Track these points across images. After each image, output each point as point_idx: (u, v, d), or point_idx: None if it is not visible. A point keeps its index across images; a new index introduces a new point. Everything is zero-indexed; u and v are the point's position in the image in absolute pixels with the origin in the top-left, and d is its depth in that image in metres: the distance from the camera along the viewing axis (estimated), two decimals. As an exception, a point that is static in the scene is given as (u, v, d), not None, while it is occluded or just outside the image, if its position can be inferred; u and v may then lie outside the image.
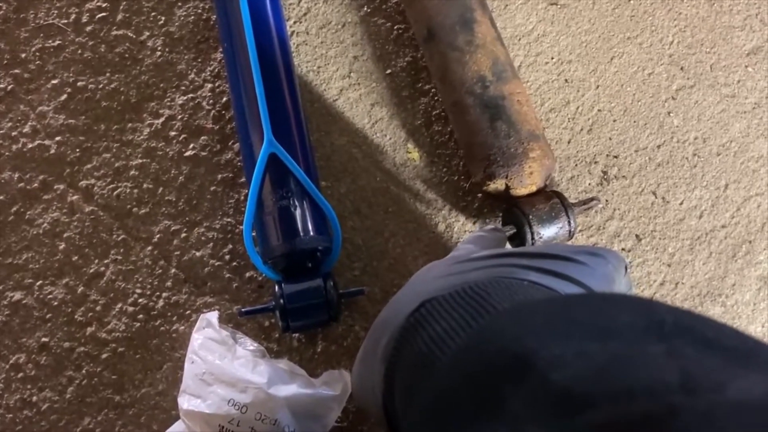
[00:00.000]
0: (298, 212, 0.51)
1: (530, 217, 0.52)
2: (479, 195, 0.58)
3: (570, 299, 0.29)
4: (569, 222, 0.53)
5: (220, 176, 0.57)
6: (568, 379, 0.22)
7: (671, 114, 0.61)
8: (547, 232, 0.52)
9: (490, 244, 0.48)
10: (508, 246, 0.54)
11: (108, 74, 0.59)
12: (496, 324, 0.28)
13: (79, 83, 0.59)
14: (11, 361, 0.52)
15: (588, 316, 0.25)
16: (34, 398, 0.51)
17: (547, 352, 0.23)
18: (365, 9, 0.62)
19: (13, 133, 0.57)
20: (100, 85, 0.59)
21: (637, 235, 0.58)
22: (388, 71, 0.60)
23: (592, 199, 0.54)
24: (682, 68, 0.62)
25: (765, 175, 0.59)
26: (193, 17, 0.61)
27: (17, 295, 0.54)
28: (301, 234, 0.50)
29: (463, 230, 0.57)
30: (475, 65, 0.54)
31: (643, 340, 0.23)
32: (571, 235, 0.53)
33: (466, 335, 0.29)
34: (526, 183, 0.53)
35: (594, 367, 0.22)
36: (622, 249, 0.57)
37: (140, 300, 0.54)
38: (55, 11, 0.60)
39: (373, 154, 0.58)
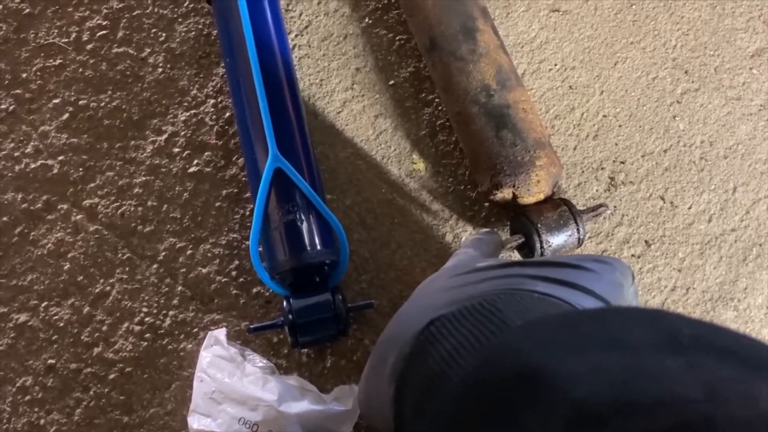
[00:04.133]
0: (304, 226, 0.50)
1: (539, 225, 0.51)
2: (486, 204, 0.57)
3: (583, 314, 0.29)
4: (578, 230, 0.52)
5: (224, 192, 0.57)
6: (587, 395, 0.22)
7: (677, 118, 0.60)
8: (556, 241, 0.52)
9: (488, 246, 0.48)
10: (516, 255, 0.54)
11: (110, 92, 0.59)
12: (509, 341, 0.27)
13: (80, 102, 0.58)
14: (18, 384, 0.52)
15: (602, 331, 0.25)
16: (42, 421, 0.51)
17: (564, 368, 0.23)
18: (366, 20, 0.62)
19: (16, 154, 0.57)
20: (102, 104, 0.58)
21: (646, 241, 0.57)
22: (391, 82, 0.60)
23: (600, 205, 0.53)
24: (686, 72, 0.62)
25: (773, 177, 0.59)
26: (194, 33, 0.61)
27: (22, 317, 0.53)
28: (308, 248, 0.50)
29: (470, 232, 0.57)
30: (479, 74, 0.53)
31: (660, 353, 0.23)
32: (580, 242, 0.53)
33: (478, 354, 0.28)
34: (533, 191, 0.52)
35: (612, 382, 0.22)
36: (632, 255, 0.57)
37: (147, 319, 0.53)
38: (56, 30, 0.60)
39: (378, 166, 0.58)
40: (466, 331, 0.30)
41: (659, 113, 0.60)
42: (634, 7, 0.64)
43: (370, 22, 0.62)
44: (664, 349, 0.23)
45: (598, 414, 0.21)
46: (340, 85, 0.60)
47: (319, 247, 0.50)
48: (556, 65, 0.61)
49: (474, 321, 0.31)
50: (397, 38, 0.61)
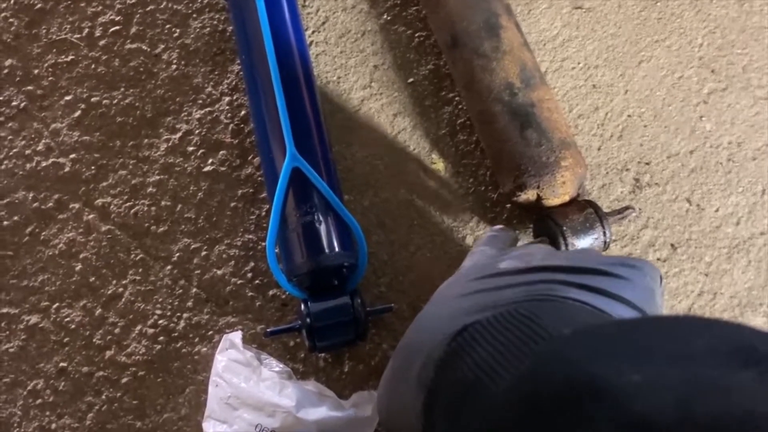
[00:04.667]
0: (322, 228, 0.49)
1: (564, 228, 0.50)
2: (508, 206, 0.56)
3: (640, 323, 0.27)
4: (604, 233, 0.51)
5: (240, 192, 0.55)
6: (650, 409, 0.20)
7: (703, 118, 0.59)
8: (582, 243, 0.50)
9: (504, 243, 0.46)
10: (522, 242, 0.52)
11: (123, 89, 0.57)
12: (558, 350, 0.26)
13: (93, 99, 0.57)
14: (29, 387, 0.51)
15: (664, 341, 0.23)
16: (53, 425, 0.50)
17: (624, 380, 0.21)
18: (385, 17, 0.60)
19: (27, 152, 0.56)
20: (115, 101, 0.57)
21: (672, 245, 0.56)
22: (410, 80, 0.59)
23: (627, 208, 0.52)
24: (713, 71, 0.60)
25: (803, 180, 0.57)
26: (208, 29, 0.59)
27: (34, 319, 0.52)
28: (327, 250, 0.48)
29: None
30: (503, 72, 0.52)
31: (728, 365, 0.21)
32: (606, 245, 0.51)
33: (522, 363, 0.27)
34: (558, 193, 0.51)
35: (678, 395, 0.20)
36: (658, 259, 0.55)
37: (160, 321, 0.52)
38: (68, 26, 0.59)
39: (397, 166, 0.56)
40: (505, 339, 0.29)
41: (685, 113, 0.59)
42: (659, 4, 0.62)
43: (389, 18, 0.60)
44: (733, 361, 0.21)
45: (662, 428, 0.19)
46: (357, 82, 0.58)
47: (337, 250, 0.49)
48: (579, 63, 0.60)
49: (511, 328, 0.29)
50: (416, 35, 0.60)
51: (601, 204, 0.55)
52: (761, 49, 0.61)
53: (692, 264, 0.55)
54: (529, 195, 0.51)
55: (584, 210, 0.51)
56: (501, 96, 0.51)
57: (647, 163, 0.57)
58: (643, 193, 0.57)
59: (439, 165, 0.57)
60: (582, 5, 0.62)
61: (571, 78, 0.59)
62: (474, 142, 0.57)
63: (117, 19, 0.59)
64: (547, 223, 0.51)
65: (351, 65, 0.59)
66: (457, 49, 0.54)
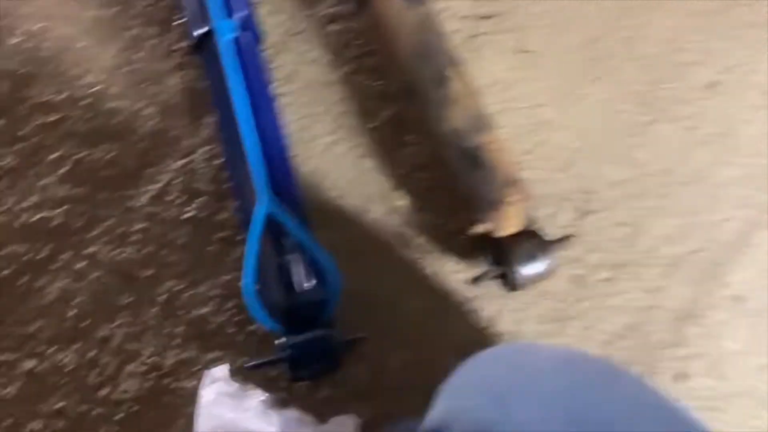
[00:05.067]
0: (297, 266, 0.54)
1: (513, 257, 0.56)
2: (465, 238, 0.61)
3: None
4: (550, 259, 0.56)
5: (219, 235, 0.60)
6: None
7: (638, 148, 0.65)
8: (529, 270, 0.56)
9: None
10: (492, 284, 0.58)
11: (106, 145, 0.62)
12: None
13: (79, 155, 0.62)
14: (28, 429, 0.54)
15: None
16: (54, 462, 0.54)
17: None
18: (347, 68, 0.66)
19: (18, 207, 0.60)
20: (99, 156, 0.62)
21: (615, 265, 0.61)
22: (373, 125, 0.64)
23: (569, 235, 0.58)
24: (645, 104, 0.66)
25: (729, 201, 0.64)
26: (184, 86, 0.64)
27: (31, 364, 0.56)
28: (302, 286, 0.53)
29: (453, 271, 0.61)
30: (452, 119, 0.57)
31: None
32: (552, 270, 0.57)
33: None
34: (507, 225, 0.56)
35: None
36: (603, 279, 0.61)
37: (150, 359, 0.56)
38: (53, 87, 0.64)
39: (363, 204, 0.62)
40: None
41: (622, 144, 0.65)
42: (597, 44, 0.68)
43: (351, 69, 0.66)
44: None
45: None
46: (323, 129, 0.64)
47: (311, 285, 0.54)
48: (525, 103, 0.66)
49: None
50: (376, 84, 0.65)
51: (549, 232, 0.61)
52: (686, 83, 0.67)
53: (634, 283, 0.61)
54: (481, 228, 0.57)
55: (531, 239, 0.57)
56: (451, 141, 0.57)
57: (589, 192, 0.63)
58: (586, 219, 0.63)
59: (402, 202, 0.62)
60: (526, 49, 0.68)
61: (518, 117, 0.65)
62: (433, 179, 0.63)
63: (99, 79, 0.64)
64: (499, 253, 0.57)
65: (317, 113, 0.64)
66: (411, 97, 0.60)
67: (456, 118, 0.57)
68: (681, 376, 0.60)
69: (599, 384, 0.40)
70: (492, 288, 0.59)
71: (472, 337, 0.59)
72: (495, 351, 0.47)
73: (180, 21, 0.65)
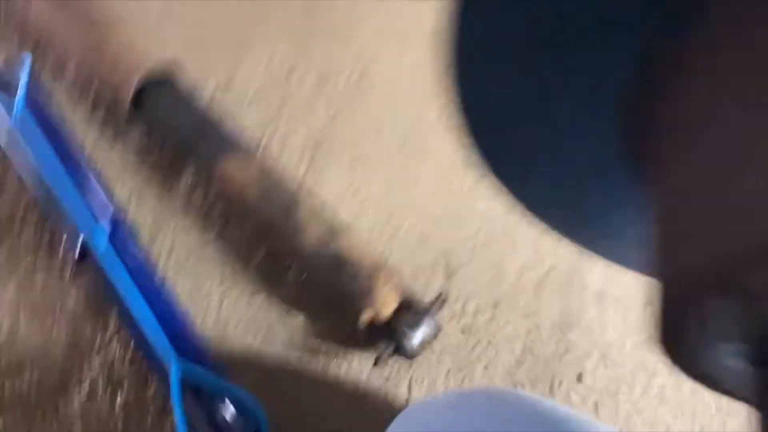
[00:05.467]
0: (224, 415, 0.61)
1: (400, 328, 0.64)
2: (362, 329, 0.69)
3: None
4: (432, 321, 0.65)
5: (152, 408, 0.66)
6: None
7: (476, 202, 0.76)
8: (418, 336, 0.64)
9: None
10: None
11: (28, 367, 0.69)
12: None
13: (5, 386, 0.68)
14: None
15: None
16: None
17: None
18: (217, 226, 0.75)
19: (-36, 453, 0.65)
20: (24, 383, 0.68)
21: (493, 304, 0.71)
22: (253, 264, 0.73)
23: (440, 294, 0.67)
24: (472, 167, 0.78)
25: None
26: (86, 293, 0.72)
27: None
28: (231, 429, 0.60)
29: (363, 358, 0.68)
30: (310, 237, 0.67)
31: None
32: (438, 328, 0.65)
33: None
34: (386, 305, 0.65)
35: None
36: (487, 320, 0.70)
37: None
38: (-33, 336, 0.70)
39: (268, 336, 0.70)
40: None
41: (458, 204, 0.76)
42: (414, 135, 0.81)
43: (220, 225, 0.75)
44: None
45: None
46: (213, 283, 0.72)
47: (240, 426, 0.61)
48: (370, 202, 0.77)
49: None
50: (245, 233, 0.75)
51: (425, 297, 0.70)
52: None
53: (513, 312, 0.70)
54: (367, 316, 0.65)
55: (411, 309, 0.66)
56: (315, 255, 0.67)
57: (451, 252, 0.73)
58: (457, 275, 0.72)
59: (299, 318, 0.71)
60: (358, 157, 0.79)
61: (369, 213, 0.76)
62: (320, 290, 0.71)
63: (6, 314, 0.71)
64: (389, 331, 0.65)
65: (202, 272, 0.73)
66: (269, 234, 0.70)
67: (311, 238, 0.67)
68: (580, 375, 0.68)
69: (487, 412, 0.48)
70: (397, 364, 0.67)
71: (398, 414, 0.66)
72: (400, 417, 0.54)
73: (63, 238, 0.74)
